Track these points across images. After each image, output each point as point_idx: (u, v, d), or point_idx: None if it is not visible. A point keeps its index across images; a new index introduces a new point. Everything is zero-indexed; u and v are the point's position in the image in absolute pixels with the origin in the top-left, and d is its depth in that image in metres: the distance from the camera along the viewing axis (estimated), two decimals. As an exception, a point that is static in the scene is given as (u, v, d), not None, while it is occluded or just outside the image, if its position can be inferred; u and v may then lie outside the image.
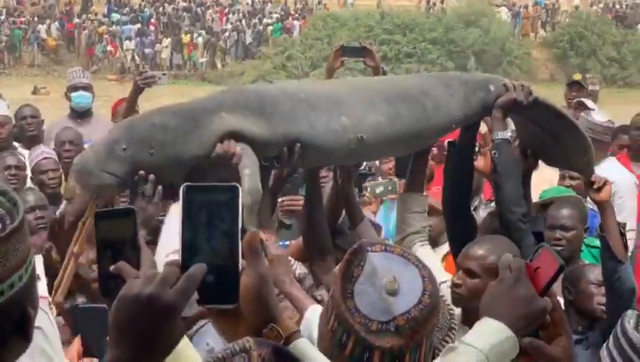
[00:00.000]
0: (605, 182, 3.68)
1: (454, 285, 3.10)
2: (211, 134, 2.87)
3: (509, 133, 3.55)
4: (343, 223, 3.82)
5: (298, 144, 3.00)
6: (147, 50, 35.63)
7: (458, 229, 3.60)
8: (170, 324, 1.42)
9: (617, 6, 40.71)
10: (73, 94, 6.90)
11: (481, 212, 4.78)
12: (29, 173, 5.61)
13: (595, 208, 4.03)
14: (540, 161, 3.87)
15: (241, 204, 1.48)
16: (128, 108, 5.90)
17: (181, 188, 1.50)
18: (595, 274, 3.78)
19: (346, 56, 4.62)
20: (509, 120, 3.76)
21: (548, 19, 39.26)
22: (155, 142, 2.78)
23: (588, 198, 4.33)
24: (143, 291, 1.42)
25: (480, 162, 3.81)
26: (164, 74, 6.35)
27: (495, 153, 3.46)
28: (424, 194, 3.67)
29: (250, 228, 2.88)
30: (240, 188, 1.50)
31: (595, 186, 3.66)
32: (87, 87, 6.93)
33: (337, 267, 1.92)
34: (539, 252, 1.83)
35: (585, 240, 4.63)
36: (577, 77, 7.84)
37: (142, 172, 2.81)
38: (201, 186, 1.52)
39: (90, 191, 2.93)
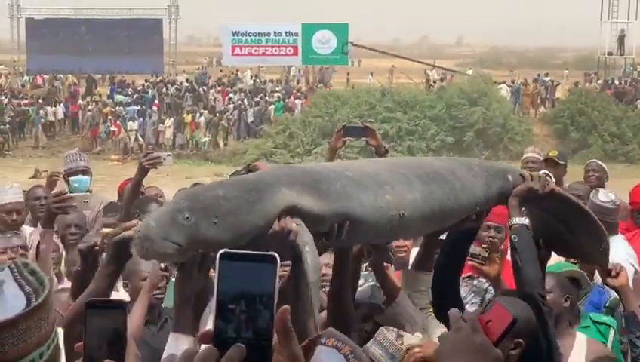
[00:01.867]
0: (621, 268, 3.86)
1: None
2: (274, 207, 2.89)
3: (527, 220, 3.58)
4: (377, 298, 3.85)
5: (347, 221, 3.03)
6: (150, 130, 35.91)
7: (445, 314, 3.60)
8: None
9: (616, 82, 41.18)
10: (72, 178, 6.90)
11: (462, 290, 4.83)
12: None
13: (603, 285, 4.04)
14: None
15: (278, 276, 1.44)
16: (134, 189, 5.95)
17: (218, 254, 1.45)
18: None
19: (348, 136, 4.68)
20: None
21: (547, 95, 39.64)
22: (220, 212, 2.78)
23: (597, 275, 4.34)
24: None
25: (488, 268, 3.87)
26: (168, 155, 6.30)
27: (515, 237, 3.50)
28: (430, 272, 3.67)
29: (316, 306, 2.88)
30: (278, 259, 1.45)
31: (612, 274, 3.74)
32: (85, 171, 7.02)
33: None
34: (490, 305, 1.92)
35: (591, 315, 4.58)
36: (553, 154, 7.85)
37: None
38: (237, 254, 1.46)
39: (150, 259, 2.96)
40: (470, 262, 4.06)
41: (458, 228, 3.56)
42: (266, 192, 2.89)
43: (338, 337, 2.48)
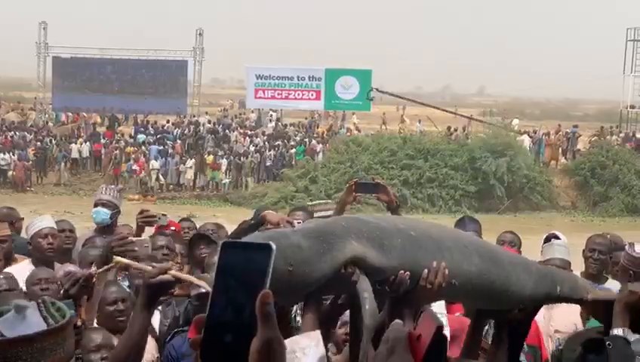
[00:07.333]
0: None
1: None
2: (342, 256, 3.00)
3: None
4: None
5: (408, 274, 3.11)
6: (172, 170, 36.13)
7: None
8: None
9: (638, 135, 41.05)
10: (93, 210, 7.11)
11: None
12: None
13: None
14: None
15: (271, 266, 1.51)
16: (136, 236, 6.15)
17: (220, 244, 1.55)
18: None
19: (360, 191, 4.73)
20: None
21: (569, 147, 39.55)
22: (295, 260, 2.82)
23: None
24: None
25: None
26: (163, 215, 6.67)
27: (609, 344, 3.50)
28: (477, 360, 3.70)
29: (368, 346, 2.95)
30: (275, 249, 1.54)
31: None
32: (106, 204, 7.06)
33: None
34: (421, 317, 1.80)
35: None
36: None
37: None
38: (238, 243, 1.57)
39: None
40: None
41: (500, 319, 3.60)
42: (336, 244, 2.99)
43: None
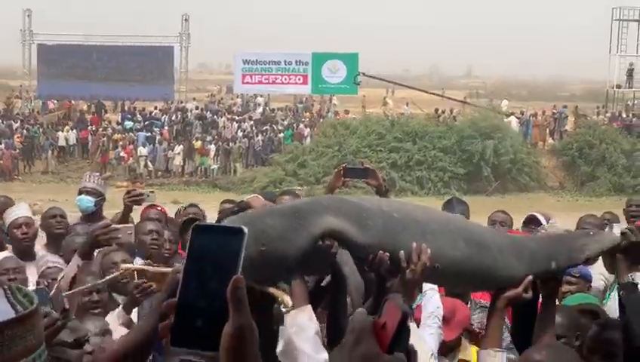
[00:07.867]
0: None
1: None
2: (318, 229, 3.03)
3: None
4: None
5: (387, 254, 3.14)
6: (161, 157, 36.03)
7: None
8: None
9: (624, 115, 41.17)
10: (76, 198, 7.16)
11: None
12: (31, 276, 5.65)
13: None
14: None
15: (244, 250, 1.48)
16: (120, 222, 6.09)
17: (191, 227, 1.52)
18: None
19: (349, 176, 4.73)
20: None
21: (556, 127, 39.64)
22: (267, 239, 2.87)
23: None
24: None
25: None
26: (151, 192, 6.76)
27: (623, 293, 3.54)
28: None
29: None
30: (246, 233, 1.50)
31: None
32: (90, 192, 7.10)
33: None
34: (385, 306, 1.78)
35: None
36: None
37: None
38: (210, 227, 1.54)
39: None
40: None
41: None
42: (311, 218, 3.04)
43: None
